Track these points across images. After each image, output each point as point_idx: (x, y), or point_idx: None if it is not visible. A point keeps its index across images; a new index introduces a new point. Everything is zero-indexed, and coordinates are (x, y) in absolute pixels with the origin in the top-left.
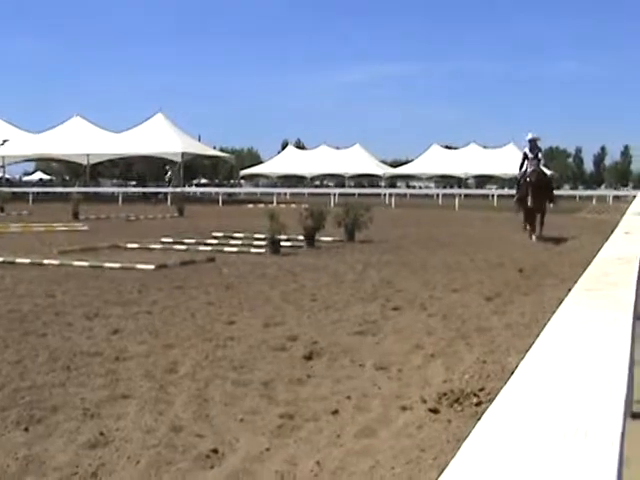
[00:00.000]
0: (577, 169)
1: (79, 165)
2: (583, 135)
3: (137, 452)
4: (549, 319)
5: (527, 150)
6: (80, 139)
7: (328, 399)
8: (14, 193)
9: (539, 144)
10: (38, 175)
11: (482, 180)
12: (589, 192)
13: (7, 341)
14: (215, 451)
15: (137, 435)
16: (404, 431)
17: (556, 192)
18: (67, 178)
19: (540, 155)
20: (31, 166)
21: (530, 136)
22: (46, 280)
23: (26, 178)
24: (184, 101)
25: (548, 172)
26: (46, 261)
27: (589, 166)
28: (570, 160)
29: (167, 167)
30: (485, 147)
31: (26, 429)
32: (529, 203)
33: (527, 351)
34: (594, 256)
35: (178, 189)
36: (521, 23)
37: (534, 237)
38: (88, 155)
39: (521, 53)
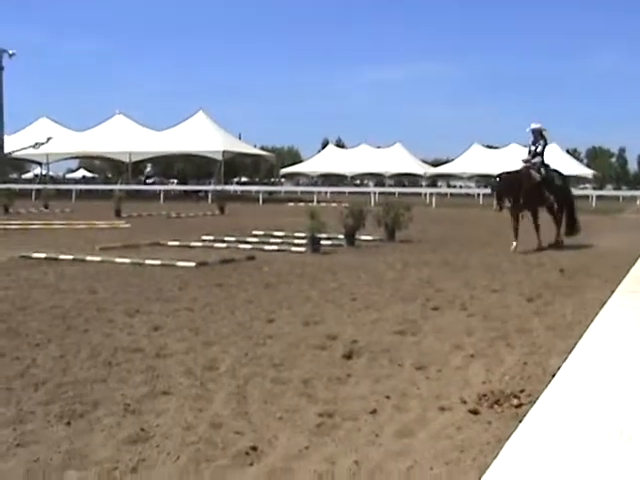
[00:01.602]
0: (621, 169)
1: (121, 163)
2: (627, 134)
3: (177, 448)
4: (591, 320)
5: (530, 143)
6: (122, 137)
7: (367, 398)
8: (58, 190)
9: (545, 134)
10: (81, 173)
11: None
12: (633, 192)
13: (50, 336)
14: (254, 448)
15: (177, 431)
16: (443, 432)
17: (593, 193)
18: (109, 175)
19: (540, 149)
20: (74, 163)
21: (532, 126)
22: (88, 276)
23: (69, 175)
24: (225, 99)
25: (555, 171)
26: (88, 258)
27: (633, 166)
28: (613, 160)
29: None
30: (526, 146)
31: (68, 423)
32: (494, 206)
33: (569, 352)
34: (637, 258)
35: (219, 187)
36: (558, 17)
37: (514, 244)
38: (130, 153)
39: (561, 50)
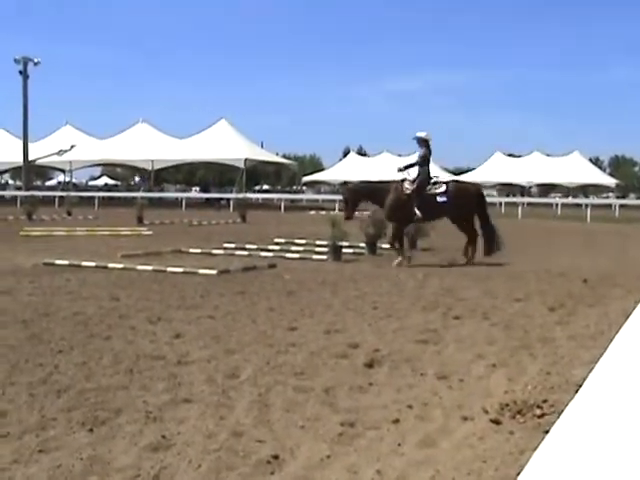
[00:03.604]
0: None
1: (144, 170)
2: None
3: (198, 456)
4: (615, 331)
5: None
6: (145, 145)
7: (389, 407)
8: (81, 197)
9: (430, 144)
10: (104, 180)
11: (545, 189)
12: None
13: (73, 343)
14: (276, 457)
15: (198, 439)
16: (465, 442)
17: (616, 202)
18: (132, 183)
19: (417, 159)
20: (97, 171)
21: (417, 134)
22: (110, 283)
23: (92, 183)
24: (247, 108)
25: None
26: (111, 265)
27: None
28: (637, 169)
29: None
30: (549, 155)
31: (91, 430)
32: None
33: (592, 363)
34: None
35: (241, 195)
36: (579, 29)
37: (398, 259)
38: (152, 161)
39: (583, 60)
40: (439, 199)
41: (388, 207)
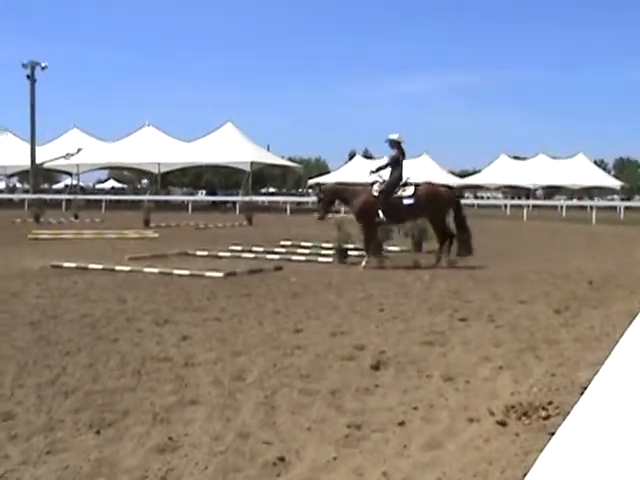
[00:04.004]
0: None
1: (150, 173)
2: None
3: (205, 458)
4: (620, 332)
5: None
6: (151, 148)
7: (395, 409)
8: (88, 200)
9: (403, 146)
10: (111, 183)
11: (550, 191)
12: None
13: (80, 345)
14: (282, 459)
15: (205, 441)
16: (471, 443)
17: (621, 204)
18: (139, 186)
19: (387, 161)
20: (104, 174)
21: (390, 137)
22: (117, 286)
23: (99, 186)
24: (253, 111)
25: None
26: (117, 267)
27: None
28: None
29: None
30: (554, 158)
31: (98, 432)
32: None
33: (597, 365)
34: None
35: (247, 198)
36: (585, 32)
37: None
38: (159, 164)
39: (588, 62)
40: (405, 202)
41: (357, 209)
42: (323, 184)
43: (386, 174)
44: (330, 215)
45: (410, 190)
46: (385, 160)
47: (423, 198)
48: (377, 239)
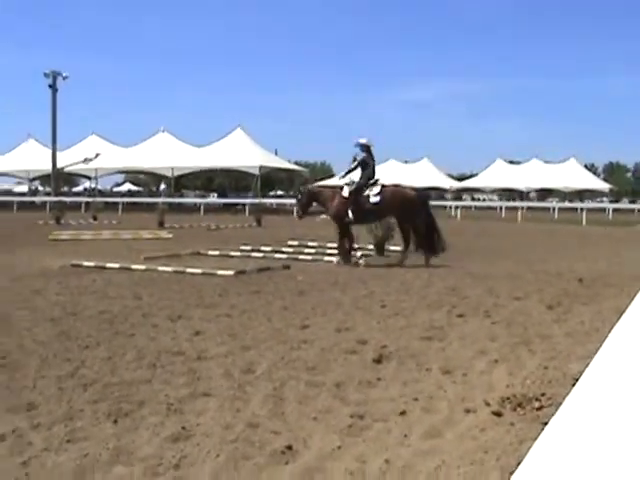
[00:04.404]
0: (636, 184)
1: (165, 177)
2: None
3: (217, 446)
4: (609, 328)
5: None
6: (166, 153)
7: (396, 401)
8: (106, 203)
9: (372, 150)
10: (127, 186)
11: (543, 194)
12: None
13: (99, 339)
14: (290, 447)
15: (217, 430)
16: (468, 433)
17: (609, 206)
18: (154, 189)
19: (357, 163)
20: (121, 178)
21: (360, 141)
22: (133, 284)
23: (116, 189)
24: (262, 117)
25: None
26: (134, 266)
27: None
28: (629, 175)
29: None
30: (547, 162)
31: (115, 421)
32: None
33: (587, 358)
34: None
35: (256, 200)
36: (577, 42)
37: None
38: (173, 168)
39: (580, 72)
40: (372, 200)
41: (330, 210)
42: (304, 187)
43: (357, 176)
44: (323, 216)
45: (376, 190)
46: (354, 163)
47: (389, 198)
48: (351, 238)
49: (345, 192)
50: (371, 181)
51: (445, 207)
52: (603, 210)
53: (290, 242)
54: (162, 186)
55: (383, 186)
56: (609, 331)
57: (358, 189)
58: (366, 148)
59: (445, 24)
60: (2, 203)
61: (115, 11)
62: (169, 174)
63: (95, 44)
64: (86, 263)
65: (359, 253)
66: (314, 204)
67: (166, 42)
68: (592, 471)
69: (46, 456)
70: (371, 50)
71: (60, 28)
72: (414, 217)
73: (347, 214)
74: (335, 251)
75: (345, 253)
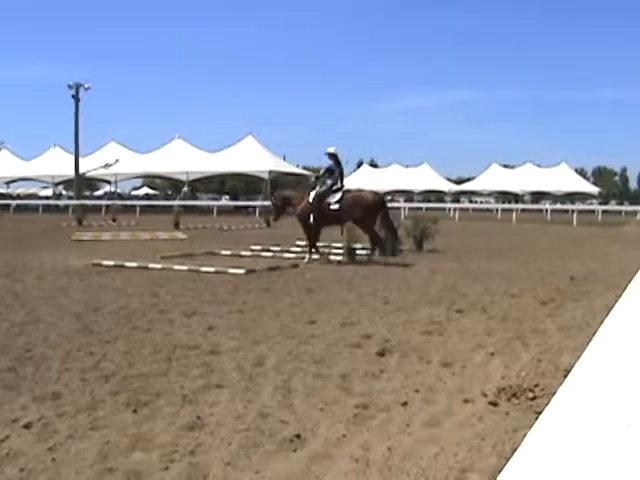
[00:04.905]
0: (623, 187)
1: (180, 181)
2: (629, 156)
3: (229, 435)
4: (599, 322)
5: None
6: (181, 158)
7: (398, 392)
8: (124, 206)
9: (339, 158)
10: (144, 190)
11: (537, 196)
12: (634, 208)
13: (118, 334)
14: (298, 436)
15: (229, 420)
16: (466, 422)
17: (598, 208)
18: (169, 193)
19: (324, 171)
20: (139, 182)
21: (329, 150)
22: (151, 282)
23: (134, 192)
24: (272, 125)
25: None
26: (151, 265)
27: (633, 184)
28: (616, 178)
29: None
30: (539, 166)
31: (134, 411)
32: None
33: (579, 351)
34: None
35: (266, 203)
36: (569, 53)
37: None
38: (187, 173)
39: (569, 79)
40: (332, 207)
41: (297, 213)
42: (277, 191)
43: (327, 182)
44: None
45: (338, 197)
46: (322, 171)
47: (349, 204)
48: (316, 238)
49: (310, 197)
50: (335, 187)
51: (444, 209)
52: (593, 212)
53: (298, 242)
54: (185, 189)
55: (346, 192)
56: (599, 326)
57: (320, 195)
58: (333, 156)
59: (444, 37)
60: (29, 206)
61: (137, 24)
62: (184, 178)
63: (115, 55)
64: (106, 262)
65: (327, 250)
66: (288, 208)
67: (182, 53)
68: (583, 458)
69: (71, 443)
70: (376, 61)
71: (83, 41)
72: (374, 219)
73: (309, 217)
74: (340, 251)
75: (312, 252)
